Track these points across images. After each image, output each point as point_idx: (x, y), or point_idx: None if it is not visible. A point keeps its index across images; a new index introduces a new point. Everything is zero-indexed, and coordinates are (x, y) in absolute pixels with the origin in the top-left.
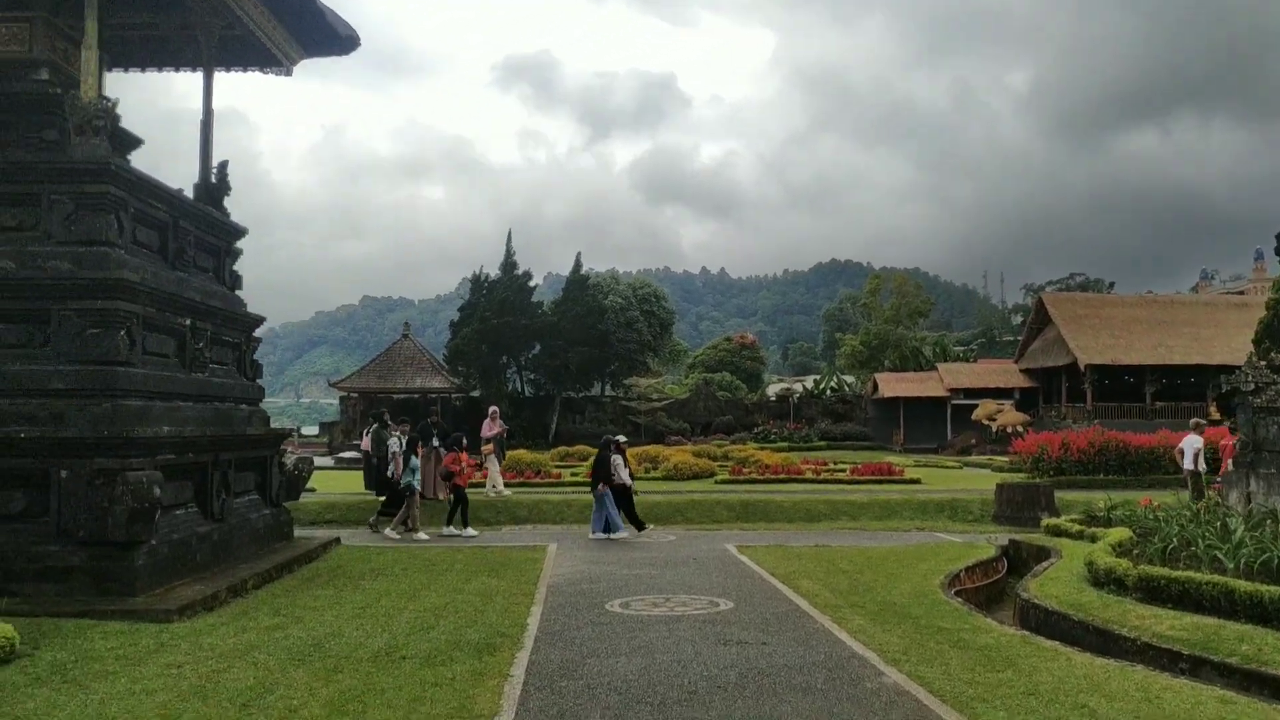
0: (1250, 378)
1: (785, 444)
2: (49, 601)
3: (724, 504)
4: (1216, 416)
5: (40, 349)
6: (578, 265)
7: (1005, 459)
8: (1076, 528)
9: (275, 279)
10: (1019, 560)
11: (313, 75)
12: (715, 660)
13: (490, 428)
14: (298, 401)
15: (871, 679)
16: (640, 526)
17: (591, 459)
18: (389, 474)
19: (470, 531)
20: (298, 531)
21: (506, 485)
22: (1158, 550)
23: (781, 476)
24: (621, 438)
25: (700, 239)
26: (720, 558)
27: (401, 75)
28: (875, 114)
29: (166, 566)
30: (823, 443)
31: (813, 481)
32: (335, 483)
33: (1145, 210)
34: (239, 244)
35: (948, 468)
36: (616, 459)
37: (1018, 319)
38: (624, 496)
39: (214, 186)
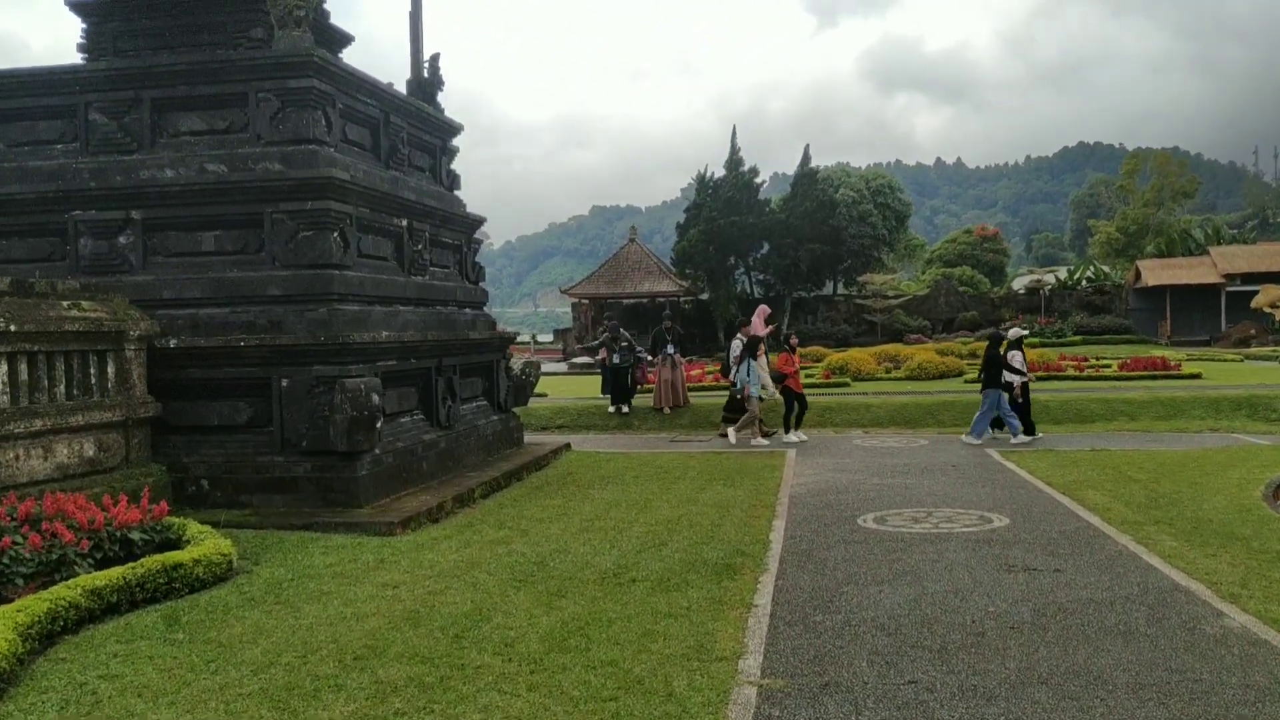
0: None
1: (1037, 340)
2: (276, 513)
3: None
4: None
5: (255, 254)
6: (806, 158)
7: None
8: None
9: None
10: None
11: None
12: (1000, 591)
13: (759, 327)
14: (535, 311)
15: (1210, 621)
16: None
17: (826, 359)
18: (731, 378)
19: (801, 436)
20: (528, 437)
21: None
22: None
23: (1039, 374)
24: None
25: (934, 127)
26: (983, 464)
27: None
28: None
29: (392, 476)
30: (1078, 337)
31: (1075, 379)
32: (568, 388)
33: None
34: (455, 141)
35: (1227, 361)
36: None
37: None
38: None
39: (426, 81)
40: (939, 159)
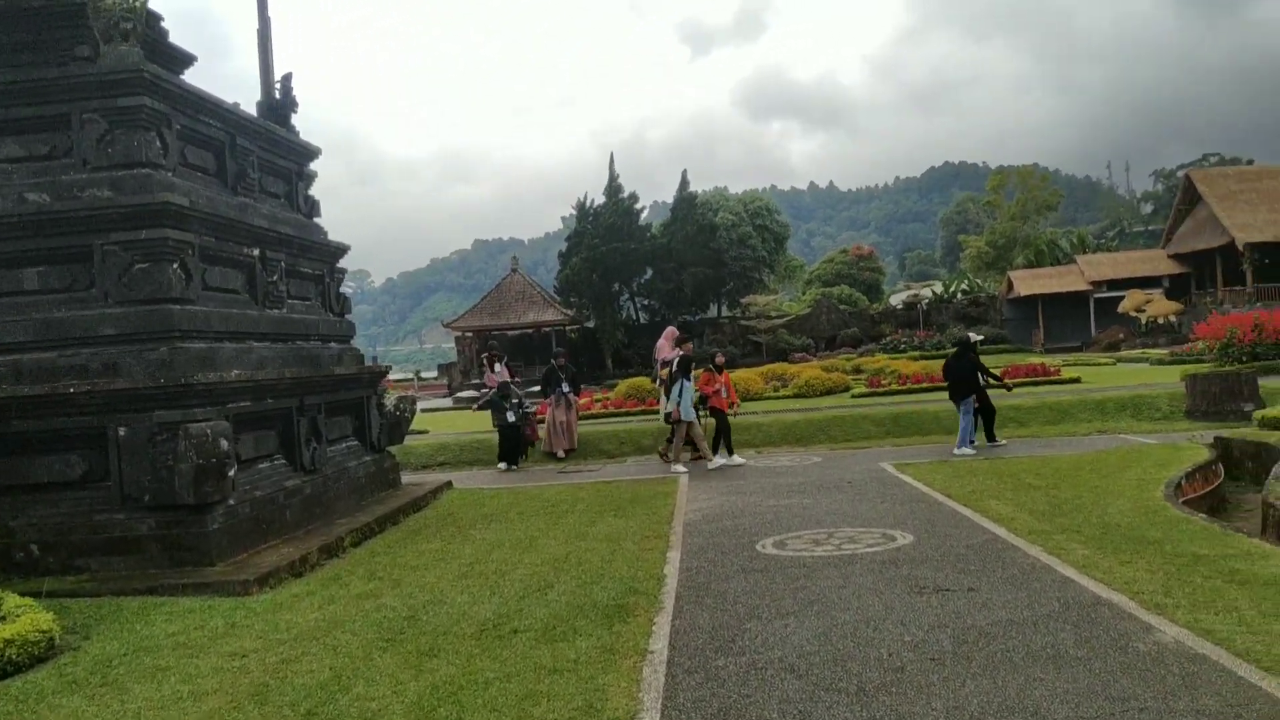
0: None
1: (916, 353)
2: (116, 577)
3: (870, 418)
4: None
5: (86, 291)
6: (684, 183)
7: (1164, 351)
8: None
9: (390, 230)
10: (1230, 461)
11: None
12: (915, 617)
13: (667, 350)
14: (421, 348)
15: (1141, 637)
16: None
17: None
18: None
19: (737, 459)
20: (407, 477)
21: (629, 413)
22: None
23: (924, 385)
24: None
25: (808, 152)
26: (879, 479)
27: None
28: (989, 4)
29: (250, 528)
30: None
31: None
32: (452, 423)
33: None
34: (313, 166)
35: (1101, 365)
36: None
37: (1148, 208)
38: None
39: (278, 103)
40: (812, 183)
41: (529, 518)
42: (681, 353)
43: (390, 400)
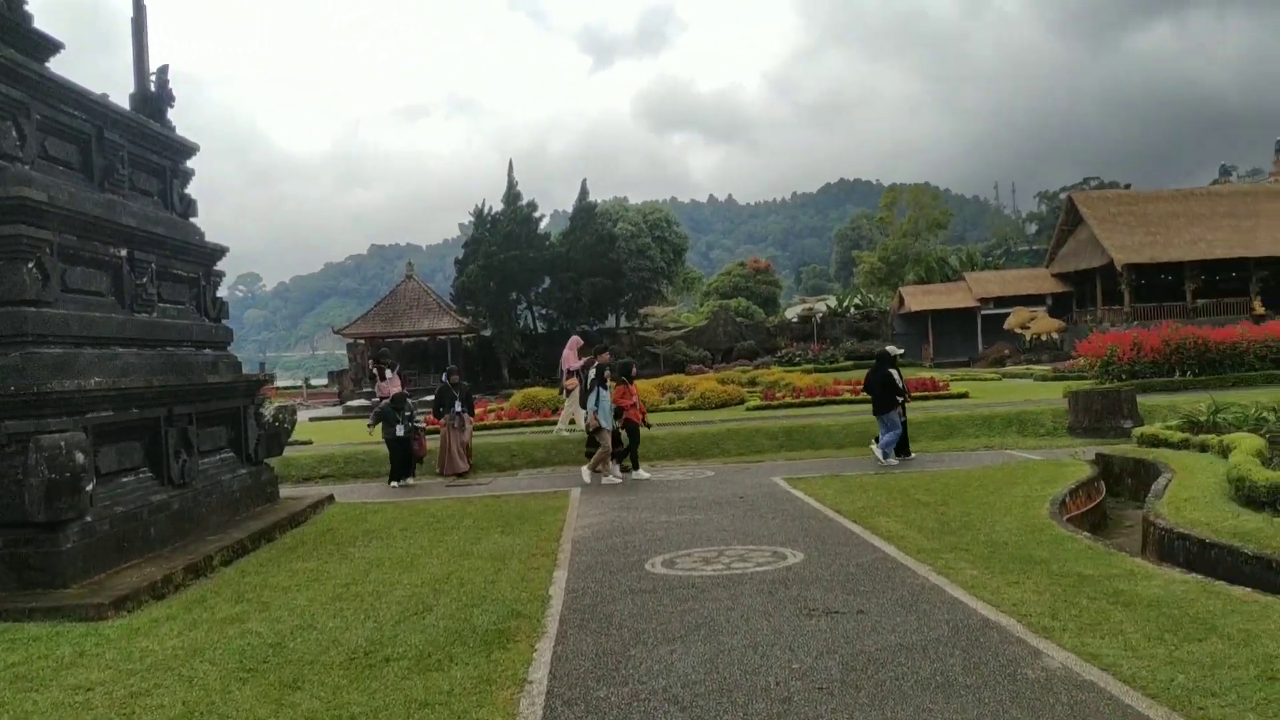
0: None
1: (810, 366)
2: None
3: (764, 432)
4: (1261, 311)
5: None
6: (584, 192)
7: (1047, 368)
8: (1179, 436)
9: (283, 233)
10: (1110, 477)
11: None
12: (803, 642)
13: (571, 360)
14: (314, 354)
15: (1029, 662)
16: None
17: None
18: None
19: (644, 474)
20: (288, 490)
21: (523, 425)
22: None
23: (818, 399)
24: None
25: (710, 165)
26: (772, 494)
27: (393, 8)
28: (883, 25)
29: (110, 547)
30: (849, 362)
31: (852, 402)
32: (341, 433)
33: (1159, 109)
34: (190, 163)
35: (987, 380)
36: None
37: (1033, 228)
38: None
39: (153, 95)
40: (712, 196)
41: (412, 534)
42: (599, 362)
43: (269, 410)
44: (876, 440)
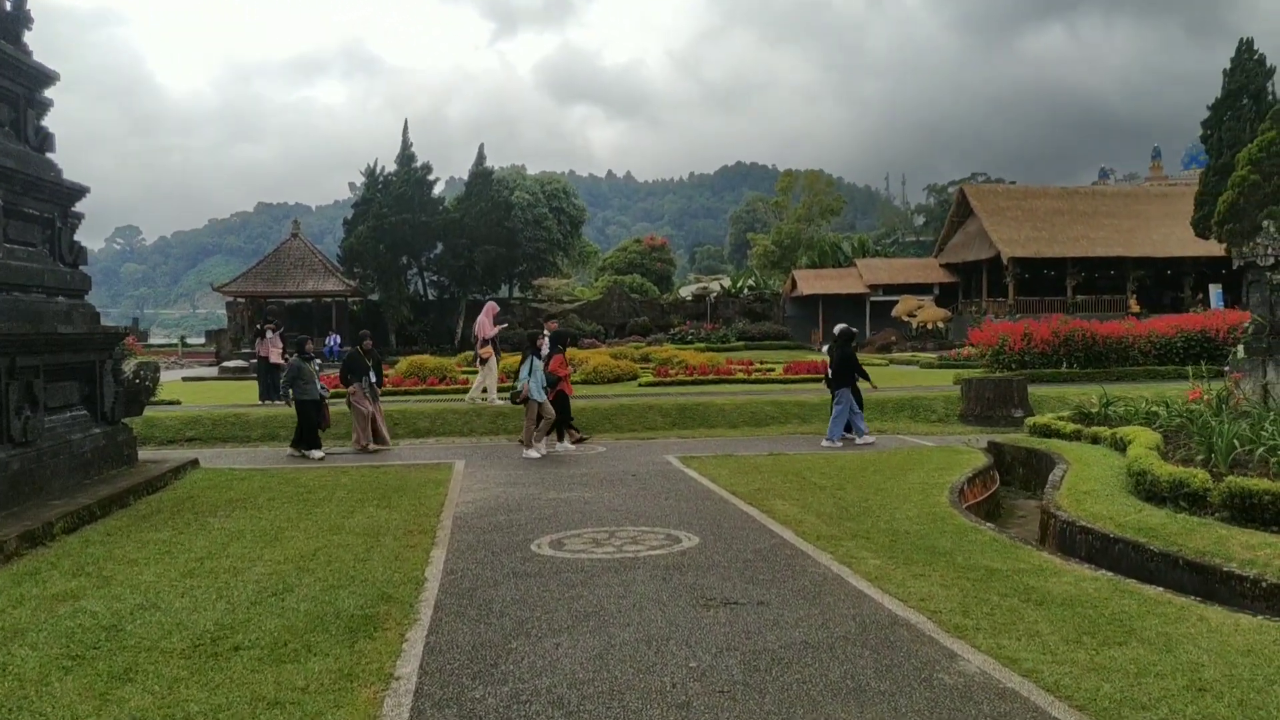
0: (1270, 251)
1: (703, 345)
2: None
3: (657, 409)
4: (1136, 310)
5: None
6: (480, 157)
7: (933, 355)
8: (1071, 427)
9: (165, 185)
10: (1002, 466)
11: None
12: (701, 637)
13: (488, 327)
14: (194, 312)
15: (944, 666)
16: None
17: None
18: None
19: (567, 446)
20: (148, 454)
21: (408, 393)
22: (1222, 454)
23: (710, 378)
24: (550, 329)
25: (609, 140)
26: (664, 472)
27: None
28: (788, 10)
29: None
30: (740, 343)
31: (745, 382)
32: (215, 394)
33: (1045, 110)
34: (48, 93)
35: (876, 365)
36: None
37: (921, 220)
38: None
39: (8, 15)
40: (610, 171)
41: (279, 505)
42: (547, 330)
43: (129, 367)
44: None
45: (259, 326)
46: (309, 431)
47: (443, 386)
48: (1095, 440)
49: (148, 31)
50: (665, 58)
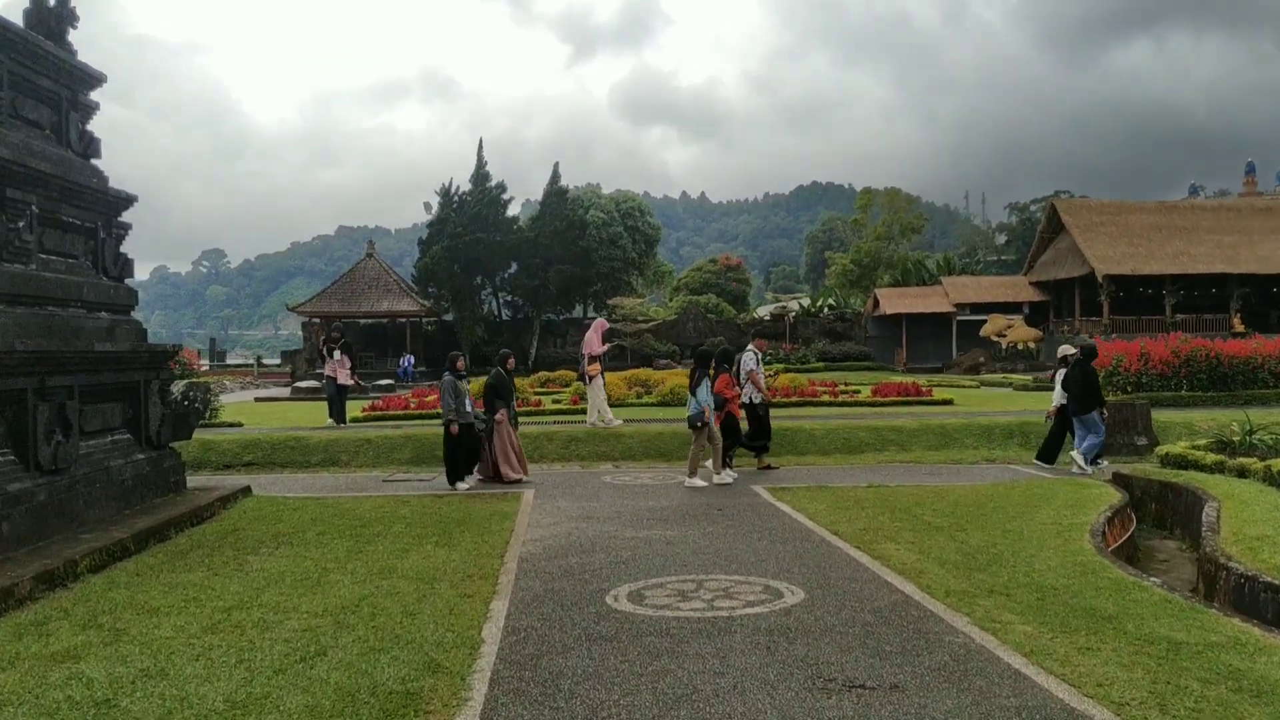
0: None
1: (780, 366)
2: None
3: None
4: (1240, 329)
5: None
6: (555, 176)
7: (1027, 377)
8: (1211, 458)
9: (249, 209)
10: (1131, 501)
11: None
12: None
13: (596, 344)
14: (276, 334)
15: None
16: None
17: (574, 385)
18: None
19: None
20: (202, 479)
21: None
22: None
23: (794, 400)
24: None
25: (685, 160)
26: (754, 507)
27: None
28: (863, 28)
29: None
30: (820, 364)
31: (832, 405)
32: (282, 415)
33: (1130, 126)
34: (95, 95)
35: (966, 387)
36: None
37: (1002, 239)
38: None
39: (51, 12)
40: (684, 192)
41: (329, 541)
42: (723, 348)
43: (178, 388)
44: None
45: (325, 346)
46: (468, 459)
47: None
48: (1243, 473)
49: (234, 60)
50: (741, 78)
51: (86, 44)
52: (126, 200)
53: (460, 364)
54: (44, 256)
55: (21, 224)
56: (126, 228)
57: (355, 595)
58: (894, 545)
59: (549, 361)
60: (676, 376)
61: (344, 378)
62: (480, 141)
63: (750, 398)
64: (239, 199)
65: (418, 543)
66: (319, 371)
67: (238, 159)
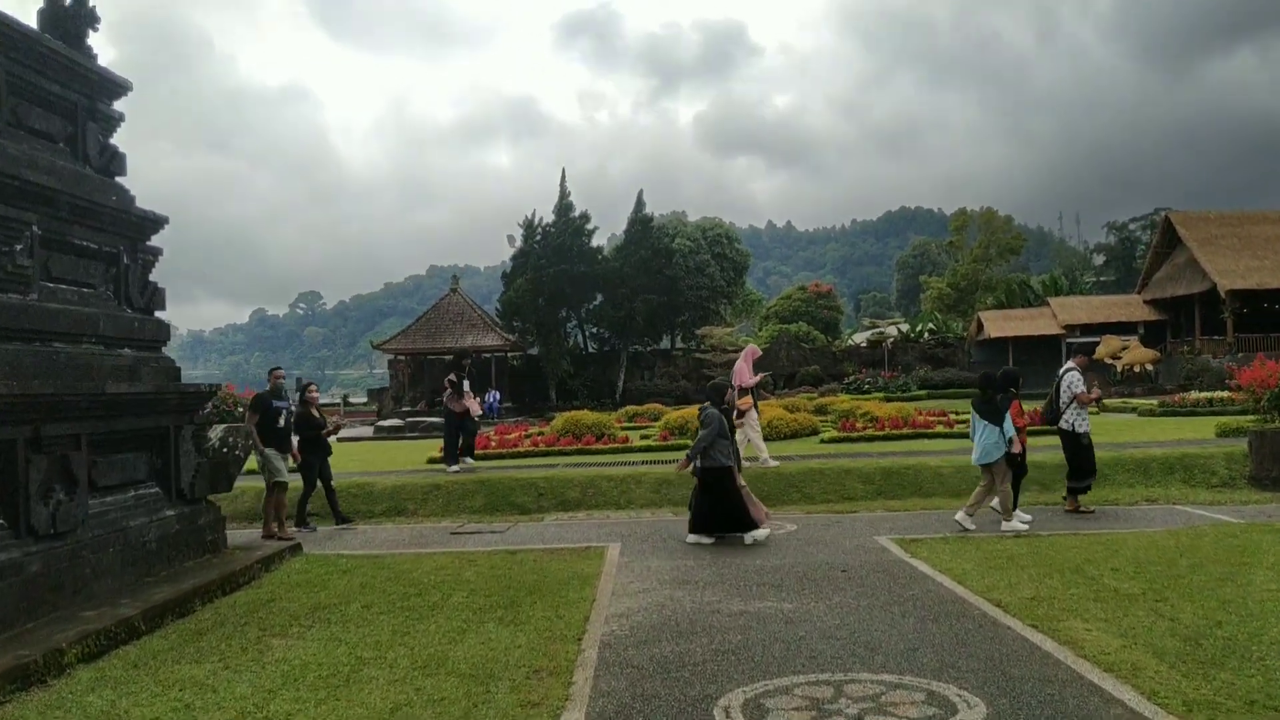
0: None
1: (881, 394)
2: None
3: (854, 473)
4: None
5: None
6: (640, 204)
7: (1153, 401)
8: None
9: (344, 252)
10: None
11: (368, 48)
12: None
13: (746, 374)
14: (370, 373)
15: None
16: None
17: (663, 419)
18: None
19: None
20: (244, 535)
21: (561, 453)
22: None
23: (905, 432)
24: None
25: (771, 189)
26: (884, 566)
27: (457, 42)
28: (951, 49)
29: None
30: (923, 392)
31: (947, 436)
32: (364, 457)
33: (1234, 140)
34: (118, 105)
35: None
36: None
37: (1100, 259)
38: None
39: (66, 12)
40: (770, 221)
41: (375, 616)
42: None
43: (215, 434)
44: None
45: (451, 377)
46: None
47: (599, 445)
48: None
49: (329, 105)
50: (825, 105)
51: (188, 97)
52: (155, 222)
53: (728, 395)
54: (49, 285)
55: (20, 246)
56: (156, 252)
57: (387, 704)
58: (1082, 623)
59: (637, 395)
60: (772, 408)
61: (476, 409)
62: (563, 172)
63: (1074, 425)
64: (334, 243)
65: (478, 619)
66: (405, 409)
67: (333, 202)
